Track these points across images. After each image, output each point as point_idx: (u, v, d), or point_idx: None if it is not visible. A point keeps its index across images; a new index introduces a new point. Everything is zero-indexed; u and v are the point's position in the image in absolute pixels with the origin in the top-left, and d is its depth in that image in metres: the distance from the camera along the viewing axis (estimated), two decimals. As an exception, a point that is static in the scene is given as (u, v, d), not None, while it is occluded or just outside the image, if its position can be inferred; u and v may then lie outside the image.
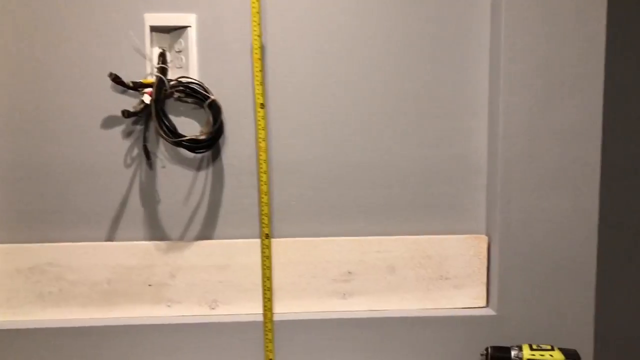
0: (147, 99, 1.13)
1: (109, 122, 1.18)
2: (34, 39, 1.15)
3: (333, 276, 1.21)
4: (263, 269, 1.17)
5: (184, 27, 1.17)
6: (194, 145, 1.11)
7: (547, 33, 1.13)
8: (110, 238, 1.20)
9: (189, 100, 1.17)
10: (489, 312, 1.21)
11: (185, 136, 1.11)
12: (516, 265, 1.18)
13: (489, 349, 1.14)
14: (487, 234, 1.23)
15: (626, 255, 1.62)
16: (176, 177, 1.20)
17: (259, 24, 1.12)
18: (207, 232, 1.21)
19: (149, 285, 1.19)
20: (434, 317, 1.20)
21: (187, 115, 1.18)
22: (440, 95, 1.21)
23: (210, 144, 1.14)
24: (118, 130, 1.18)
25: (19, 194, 1.17)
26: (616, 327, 1.62)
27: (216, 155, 1.20)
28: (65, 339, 1.16)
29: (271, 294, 1.17)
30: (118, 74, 1.12)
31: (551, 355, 1.09)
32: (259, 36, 1.12)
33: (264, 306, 1.17)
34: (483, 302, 1.24)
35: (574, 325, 1.19)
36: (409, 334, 1.20)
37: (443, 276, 1.23)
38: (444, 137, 1.22)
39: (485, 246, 1.22)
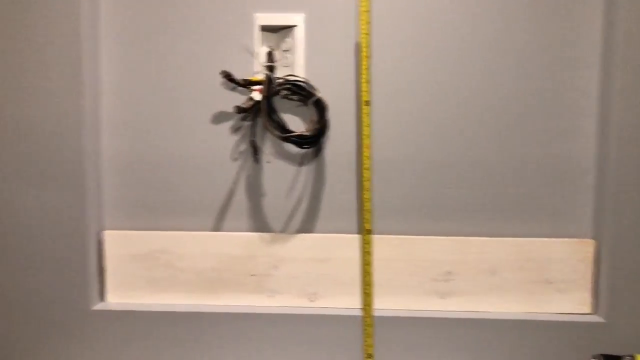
0: (256, 96, 1.17)
1: (218, 118, 1.23)
2: (152, 39, 1.22)
3: (432, 275, 1.21)
4: (363, 265, 1.18)
5: (292, 27, 1.21)
6: (300, 140, 1.15)
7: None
8: (217, 228, 1.25)
9: (294, 97, 1.21)
10: (597, 319, 1.17)
11: (293, 132, 1.15)
12: (628, 271, 1.13)
13: (601, 357, 1.09)
14: (594, 238, 1.19)
15: None
16: (280, 172, 1.24)
17: (367, 22, 1.14)
18: (308, 226, 1.24)
19: (252, 275, 1.23)
20: (536, 321, 1.17)
21: (291, 112, 1.22)
22: (546, 94, 1.18)
23: (315, 140, 1.16)
24: (227, 125, 1.23)
25: (136, 185, 1.25)
26: None
27: (318, 151, 1.22)
28: (173, 322, 1.22)
29: (371, 289, 1.19)
30: (230, 73, 1.17)
31: (668, 368, 1.03)
32: (367, 34, 1.13)
33: (364, 301, 1.18)
34: (587, 309, 1.19)
35: None
36: (510, 337, 1.18)
37: (546, 280, 1.19)
38: (550, 137, 1.19)
39: (591, 251, 1.18)
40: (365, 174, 1.17)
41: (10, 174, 1.20)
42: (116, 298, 1.25)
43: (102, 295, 1.25)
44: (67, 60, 1.17)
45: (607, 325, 1.15)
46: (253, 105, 1.18)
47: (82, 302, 1.21)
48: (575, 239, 1.19)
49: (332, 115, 1.21)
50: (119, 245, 1.24)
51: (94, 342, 1.22)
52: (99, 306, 1.23)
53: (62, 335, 1.23)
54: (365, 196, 1.18)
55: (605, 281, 1.15)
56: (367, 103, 1.15)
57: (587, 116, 1.18)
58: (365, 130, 1.16)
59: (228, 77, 1.17)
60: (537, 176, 1.20)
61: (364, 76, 1.14)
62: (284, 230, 1.24)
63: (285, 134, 1.14)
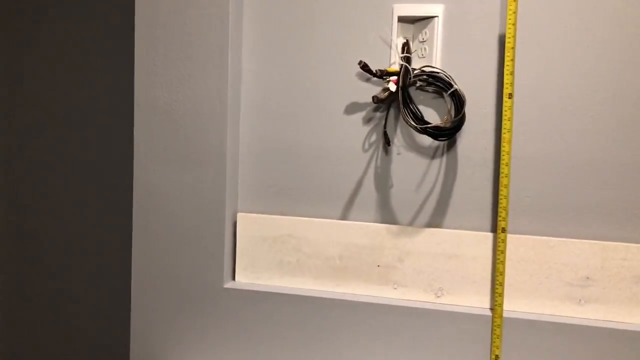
0: (392, 86, 1.17)
1: (351, 108, 1.24)
2: (290, 29, 1.26)
3: (568, 280, 1.15)
4: (497, 264, 1.14)
5: (430, 18, 1.19)
6: (437, 132, 1.13)
7: None
8: (344, 217, 1.27)
9: (430, 89, 1.19)
10: None
11: (430, 123, 1.13)
12: None
13: None
14: None
15: None
16: (410, 164, 1.23)
17: (514, 12, 1.09)
18: (436, 220, 1.22)
19: (378, 265, 1.24)
20: (688, 338, 1.08)
21: (425, 104, 1.20)
22: None
23: (452, 133, 1.14)
24: (359, 116, 1.24)
25: (269, 171, 1.30)
26: None
27: (451, 145, 1.20)
28: (298, 306, 1.25)
29: (502, 290, 1.15)
30: (367, 63, 1.18)
31: None
32: (513, 24, 1.09)
33: (495, 301, 1.15)
34: None
35: None
36: (655, 353, 1.09)
37: (701, 294, 1.09)
38: None
39: None
40: (504, 169, 1.13)
41: (156, 157, 1.29)
42: (245, 278, 1.31)
43: (233, 275, 1.31)
44: (214, 49, 1.23)
45: None
46: (389, 96, 1.17)
47: (216, 280, 1.28)
48: None
49: (469, 108, 1.18)
50: (251, 227, 1.29)
51: (225, 319, 1.29)
52: (230, 284, 1.29)
53: (197, 310, 1.30)
54: (502, 193, 1.14)
55: None
56: (510, 96, 1.11)
57: None
58: (507, 125, 1.12)
59: (365, 67, 1.18)
60: (695, 181, 1.10)
61: (508, 68, 1.10)
62: (411, 223, 1.24)
63: (422, 124, 1.12)
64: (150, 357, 1.34)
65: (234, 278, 1.31)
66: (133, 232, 1.32)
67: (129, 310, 1.97)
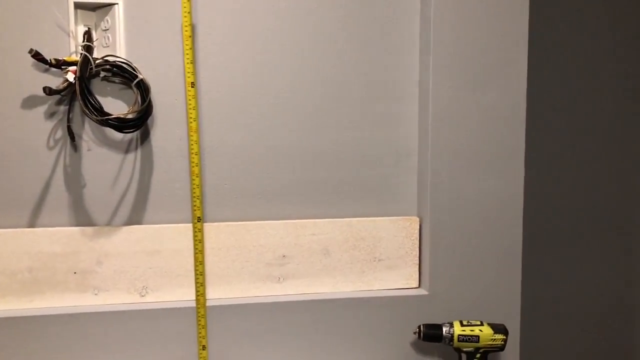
0: (71, 77, 1.08)
1: (30, 102, 1.12)
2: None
3: (267, 260, 1.20)
4: (195, 253, 1.14)
5: (111, 5, 1.13)
6: (121, 124, 1.08)
7: (474, 17, 1.17)
8: (32, 224, 1.14)
9: (116, 80, 1.14)
10: (422, 292, 1.24)
11: (112, 115, 1.07)
12: (446, 245, 1.21)
13: (422, 327, 1.16)
14: (419, 216, 1.26)
15: (550, 234, 1.70)
16: (103, 160, 1.16)
17: (189, 1, 1.10)
18: (136, 217, 1.17)
19: (74, 272, 1.14)
20: (367, 298, 1.21)
21: (114, 96, 1.14)
22: (373, 81, 1.22)
23: (138, 124, 1.10)
24: (40, 110, 1.13)
25: None
26: (541, 301, 1.69)
27: (145, 137, 1.16)
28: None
29: (204, 279, 1.15)
30: (40, 52, 1.07)
31: (481, 330, 1.12)
32: (189, 13, 1.09)
33: (197, 291, 1.14)
34: (416, 283, 1.26)
35: (502, 302, 1.24)
36: (344, 316, 1.21)
37: (376, 258, 1.24)
38: (376, 121, 1.24)
39: (417, 227, 1.25)
40: (194, 158, 1.13)
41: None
42: None
43: None
44: None
45: (429, 297, 1.22)
46: (67, 87, 1.08)
47: None
48: (401, 217, 1.25)
49: (161, 99, 1.15)
50: None
51: None
52: None
53: None
54: (195, 182, 1.14)
55: (427, 255, 1.22)
56: (193, 85, 1.12)
57: (410, 102, 1.25)
58: (192, 113, 1.12)
59: (37, 56, 1.07)
60: (366, 159, 1.24)
61: (188, 57, 1.10)
62: (109, 222, 1.16)
63: (103, 116, 1.06)
64: None
65: None
66: None
67: None
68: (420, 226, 1.24)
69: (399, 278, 1.25)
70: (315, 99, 1.20)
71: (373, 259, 1.24)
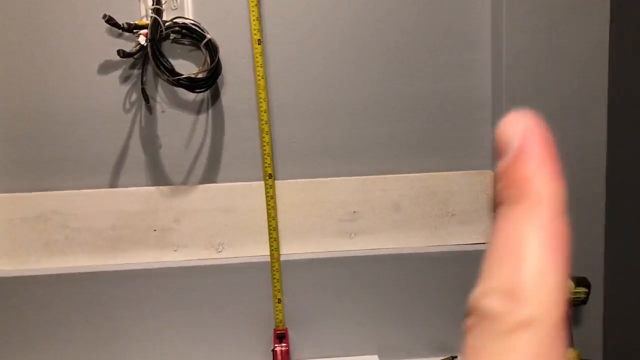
0: (142, 40, 1.11)
1: (105, 67, 1.16)
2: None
3: (339, 216, 1.20)
4: (268, 209, 1.16)
5: (178, -34, 1.14)
6: (192, 84, 1.10)
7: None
8: (112, 185, 1.19)
9: (185, 41, 1.15)
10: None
11: (182, 75, 1.09)
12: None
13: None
14: (493, 169, 1.21)
15: (635, 185, 1.60)
16: (176, 121, 1.18)
17: (253, -43, 1.09)
18: (209, 176, 1.20)
19: (154, 230, 1.19)
20: (440, 253, 1.20)
21: (184, 58, 1.16)
22: (442, 28, 1.18)
23: (209, 84, 1.12)
24: (115, 75, 1.17)
25: (16, 144, 1.16)
26: (625, 255, 1.61)
27: (215, 98, 1.18)
28: (73, 285, 1.16)
29: (277, 234, 1.17)
30: (112, 17, 1.10)
31: (560, 283, 1.08)
32: (253, -31, 1.09)
33: (271, 246, 1.16)
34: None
35: (585, 256, 1.18)
36: (416, 271, 1.20)
37: (449, 213, 1.22)
38: (447, 71, 1.20)
39: (491, 181, 1.20)
40: (263, 116, 1.14)
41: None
42: (8, 265, 1.17)
43: (-9, 263, 1.17)
44: None
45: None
46: (139, 50, 1.11)
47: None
48: (474, 171, 1.21)
49: (229, 58, 1.16)
50: (5, 210, 1.16)
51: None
52: (-12, 275, 1.15)
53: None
54: (265, 140, 1.15)
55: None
56: (260, 42, 1.11)
57: (482, 50, 1.19)
58: (259, 71, 1.13)
59: (110, 20, 1.10)
60: (435, 111, 1.21)
61: (254, 13, 1.10)
62: (184, 182, 1.20)
63: (174, 77, 1.08)
64: None
65: (-7, 267, 1.17)
66: None
67: None
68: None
69: (472, 233, 1.22)
70: (384, 50, 1.17)
71: (446, 214, 1.21)
